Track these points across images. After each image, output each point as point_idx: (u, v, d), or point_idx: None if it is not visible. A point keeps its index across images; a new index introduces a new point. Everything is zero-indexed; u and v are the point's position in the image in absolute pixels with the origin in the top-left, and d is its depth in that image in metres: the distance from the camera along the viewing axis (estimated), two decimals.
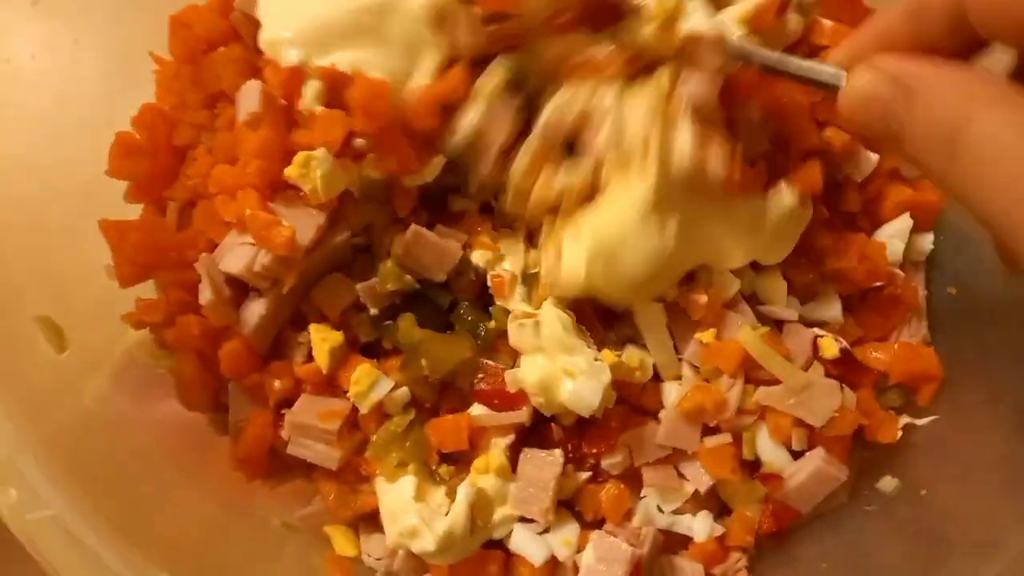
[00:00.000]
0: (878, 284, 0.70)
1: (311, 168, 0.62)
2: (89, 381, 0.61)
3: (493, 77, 0.63)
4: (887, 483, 0.67)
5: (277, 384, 0.66)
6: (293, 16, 0.63)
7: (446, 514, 0.61)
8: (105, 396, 0.61)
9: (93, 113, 0.68)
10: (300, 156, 0.62)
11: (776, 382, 0.65)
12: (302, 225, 0.63)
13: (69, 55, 0.67)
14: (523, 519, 0.64)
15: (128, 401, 0.63)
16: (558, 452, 0.63)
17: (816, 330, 0.66)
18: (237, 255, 0.63)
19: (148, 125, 0.71)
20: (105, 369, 0.63)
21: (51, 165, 0.64)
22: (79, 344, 0.61)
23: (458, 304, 0.66)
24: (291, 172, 0.62)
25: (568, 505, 0.66)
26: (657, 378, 0.66)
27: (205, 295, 0.64)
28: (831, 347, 0.65)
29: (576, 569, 0.63)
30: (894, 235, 0.72)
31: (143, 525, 0.55)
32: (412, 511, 0.61)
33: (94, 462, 0.56)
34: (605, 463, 0.65)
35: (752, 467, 0.66)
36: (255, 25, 0.66)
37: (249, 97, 0.66)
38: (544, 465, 0.63)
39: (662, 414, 0.65)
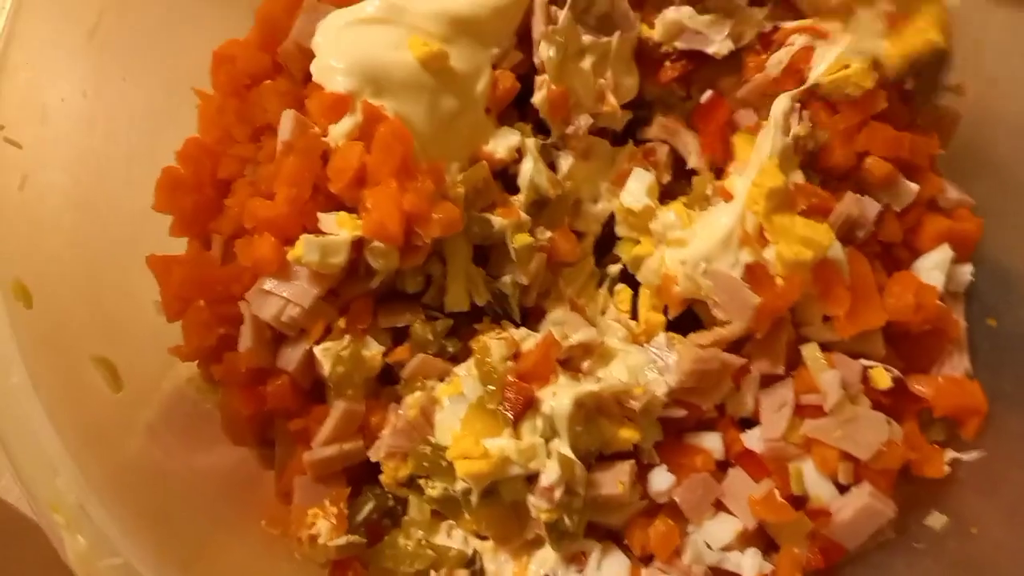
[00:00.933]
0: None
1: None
2: (142, 419, 0.61)
3: None
4: (936, 519, 0.66)
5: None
6: (353, 51, 0.64)
7: None
8: (158, 434, 0.62)
9: (140, 148, 0.68)
10: (301, 240, 0.63)
11: (822, 415, 0.65)
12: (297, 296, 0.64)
13: (118, 92, 0.67)
14: None
15: (179, 438, 0.63)
16: None
17: (864, 361, 0.66)
18: (268, 304, 0.64)
19: (192, 159, 0.71)
20: (156, 406, 0.62)
21: (100, 200, 0.64)
22: (132, 382, 0.61)
23: None
24: (293, 255, 0.63)
25: (615, 538, 0.66)
26: None
27: (245, 342, 0.65)
28: (884, 378, 0.65)
29: None
30: (934, 267, 0.72)
31: (204, 565, 0.55)
32: None
33: (155, 502, 0.56)
34: (653, 490, 0.65)
35: (797, 501, 0.66)
36: (307, 58, 0.67)
37: (284, 126, 0.66)
38: None
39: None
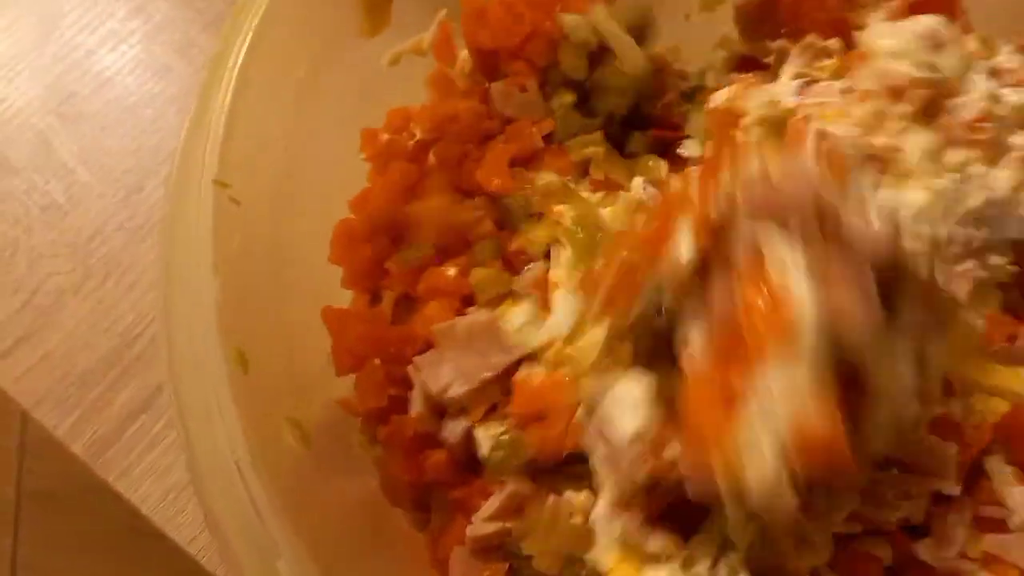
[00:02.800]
0: None
1: None
2: (326, 475, 0.61)
3: None
4: None
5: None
6: None
7: None
8: (334, 487, 0.62)
9: (334, 200, 0.69)
10: None
11: (1005, 529, 0.63)
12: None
13: (316, 146, 0.68)
14: None
15: (351, 489, 0.64)
16: None
17: None
18: (436, 376, 0.64)
19: (365, 211, 0.72)
20: (331, 460, 0.63)
21: (293, 256, 0.66)
22: (317, 439, 0.62)
23: None
24: None
25: None
26: None
27: (416, 407, 0.65)
28: None
29: None
30: None
31: None
32: None
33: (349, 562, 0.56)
34: None
35: None
36: None
37: None
38: None
39: None
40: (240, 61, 0.60)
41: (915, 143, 0.61)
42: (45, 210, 1.01)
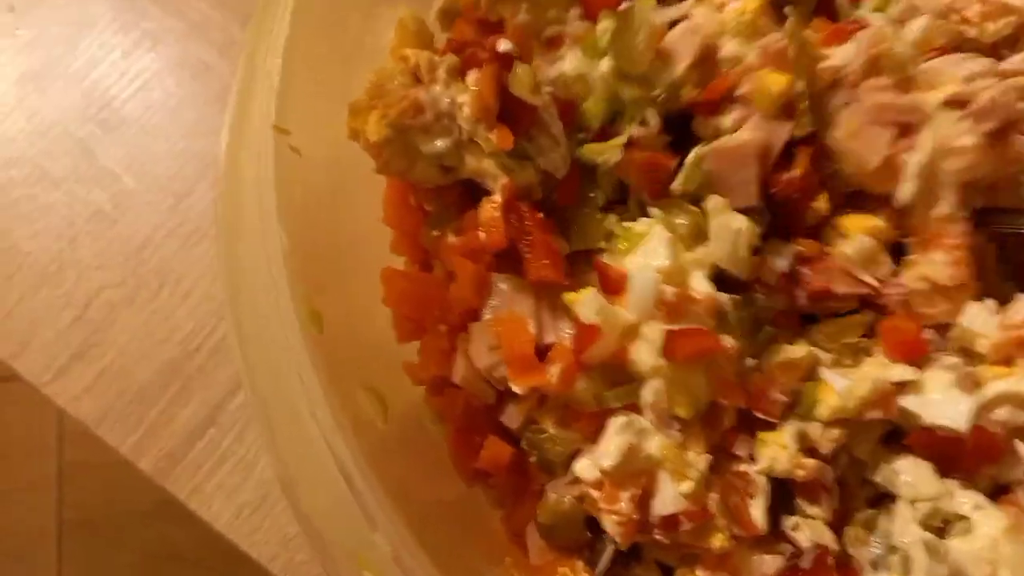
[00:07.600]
0: None
1: None
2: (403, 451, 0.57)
3: None
4: None
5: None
6: None
7: None
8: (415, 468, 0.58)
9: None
10: None
11: None
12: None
13: None
14: None
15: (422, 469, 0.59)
16: None
17: None
18: (479, 350, 0.59)
19: None
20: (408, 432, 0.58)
21: (351, 210, 0.61)
22: (394, 410, 0.57)
23: None
24: None
25: None
26: None
27: (458, 372, 0.61)
28: None
29: None
30: None
31: None
32: None
33: (449, 546, 0.51)
34: None
35: None
36: None
37: None
38: None
39: None
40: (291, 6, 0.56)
41: None
42: (90, 220, 0.98)
